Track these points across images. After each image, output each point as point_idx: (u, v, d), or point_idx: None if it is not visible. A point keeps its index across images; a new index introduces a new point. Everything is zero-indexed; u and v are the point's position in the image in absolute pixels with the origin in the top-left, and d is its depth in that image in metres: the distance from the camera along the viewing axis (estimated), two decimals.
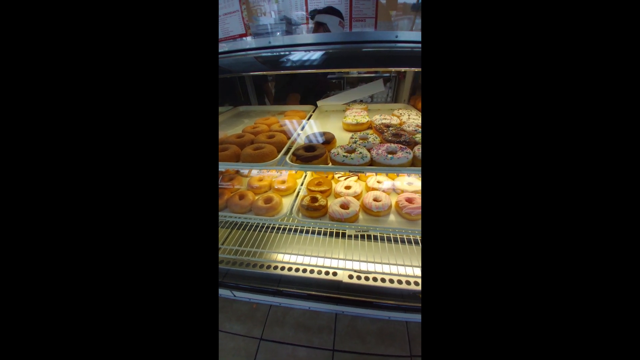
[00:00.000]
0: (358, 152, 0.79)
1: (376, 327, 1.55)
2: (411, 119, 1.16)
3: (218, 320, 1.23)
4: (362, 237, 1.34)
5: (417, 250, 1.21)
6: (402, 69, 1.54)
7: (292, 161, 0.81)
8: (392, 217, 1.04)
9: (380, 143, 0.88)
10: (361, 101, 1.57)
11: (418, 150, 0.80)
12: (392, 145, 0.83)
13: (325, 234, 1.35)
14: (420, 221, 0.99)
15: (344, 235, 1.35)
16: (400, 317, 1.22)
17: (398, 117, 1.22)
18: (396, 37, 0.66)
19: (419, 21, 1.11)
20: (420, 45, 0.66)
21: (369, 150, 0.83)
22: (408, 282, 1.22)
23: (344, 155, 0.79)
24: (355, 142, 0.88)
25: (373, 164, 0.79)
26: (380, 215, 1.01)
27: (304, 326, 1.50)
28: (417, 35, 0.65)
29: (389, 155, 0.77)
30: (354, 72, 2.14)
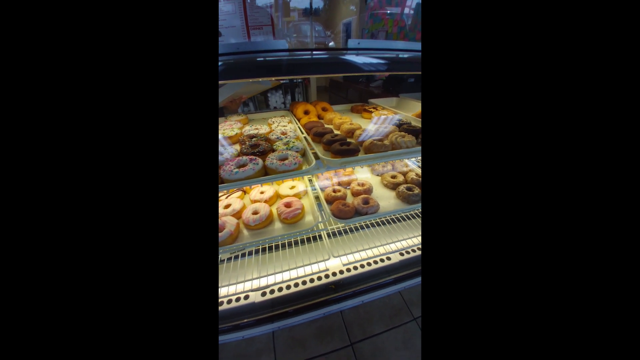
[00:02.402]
0: None
1: (314, 327, 1.55)
2: (280, 126, 1.19)
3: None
4: (272, 248, 1.30)
5: (312, 247, 1.25)
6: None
7: None
8: (277, 224, 1.04)
9: (237, 156, 0.86)
10: (242, 112, 1.53)
11: (269, 159, 0.81)
12: (244, 158, 0.82)
13: (231, 258, 1.26)
14: (299, 222, 1.02)
15: (250, 253, 1.29)
16: (334, 308, 1.25)
17: (270, 125, 1.23)
18: None
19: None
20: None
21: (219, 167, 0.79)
22: (319, 278, 1.26)
23: None
24: None
25: (224, 181, 0.76)
26: (260, 227, 0.99)
27: (242, 356, 1.39)
28: None
29: (235, 170, 0.75)
30: None
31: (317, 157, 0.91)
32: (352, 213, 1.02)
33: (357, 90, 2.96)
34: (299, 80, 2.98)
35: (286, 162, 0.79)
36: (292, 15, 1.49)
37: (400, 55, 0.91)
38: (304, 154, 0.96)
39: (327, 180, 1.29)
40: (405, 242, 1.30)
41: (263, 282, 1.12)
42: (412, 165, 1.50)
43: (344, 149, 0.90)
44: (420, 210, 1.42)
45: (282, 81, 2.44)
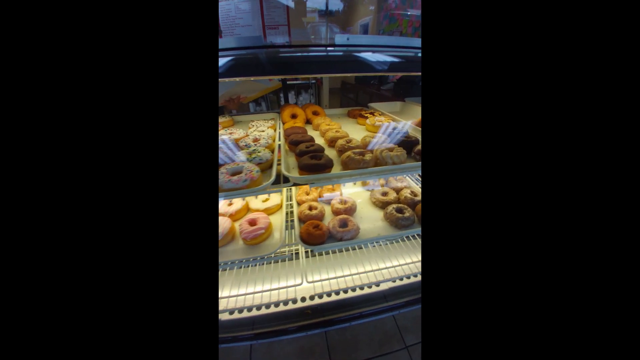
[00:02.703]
0: None
1: (295, 346, 1.44)
2: (257, 130, 1.07)
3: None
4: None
5: (286, 266, 1.13)
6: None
7: None
8: (240, 243, 0.92)
9: None
10: (228, 113, 1.44)
11: (223, 173, 0.69)
12: None
13: None
14: (262, 244, 0.89)
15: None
16: (312, 332, 1.14)
17: (248, 129, 1.12)
18: None
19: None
20: None
21: None
22: (294, 301, 1.15)
23: None
24: None
25: None
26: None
27: None
28: None
29: None
30: None
31: (287, 171, 0.78)
32: (324, 237, 0.87)
33: (367, 93, 2.79)
34: (312, 81, 2.86)
35: (234, 178, 0.66)
36: (312, 16, 1.40)
37: (392, 53, 0.76)
38: (271, 166, 0.83)
39: (315, 194, 1.15)
40: (394, 270, 1.12)
41: (224, 303, 1.01)
42: (410, 181, 1.32)
43: (313, 163, 0.76)
44: (412, 234, 1.24)
45: (288, 81, 2.33)
